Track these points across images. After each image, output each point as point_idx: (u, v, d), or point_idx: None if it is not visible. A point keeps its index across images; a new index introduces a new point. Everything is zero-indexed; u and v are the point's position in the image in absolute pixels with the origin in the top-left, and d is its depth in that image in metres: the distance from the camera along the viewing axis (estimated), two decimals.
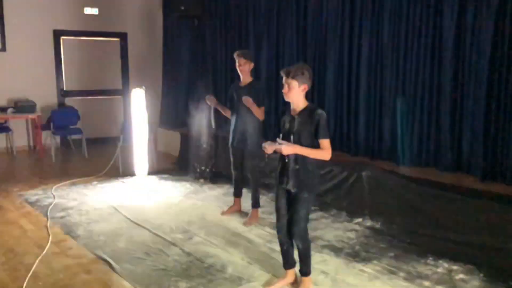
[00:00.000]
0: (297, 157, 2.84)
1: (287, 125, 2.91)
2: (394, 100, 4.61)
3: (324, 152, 2.79)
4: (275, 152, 2.87)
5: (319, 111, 2.82)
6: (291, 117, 2.90)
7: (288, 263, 3.09)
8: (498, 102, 3.79)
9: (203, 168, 5.78)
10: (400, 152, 4.53)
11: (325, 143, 2.79)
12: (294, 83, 2.81)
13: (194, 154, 5.92)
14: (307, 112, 2.84)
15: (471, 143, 4.04)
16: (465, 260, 3.37)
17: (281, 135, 2.92)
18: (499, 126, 3.81)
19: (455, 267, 3.32)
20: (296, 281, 3.09)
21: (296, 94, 2.83)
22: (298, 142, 2.82)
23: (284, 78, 2.84)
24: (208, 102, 4.38)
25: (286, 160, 2.88)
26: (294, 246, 3.03)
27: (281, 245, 3.06)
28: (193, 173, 5.87)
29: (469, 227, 3.56)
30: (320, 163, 2.90)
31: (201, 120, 5.55)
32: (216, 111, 4.57)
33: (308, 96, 2.94)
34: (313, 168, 2.89)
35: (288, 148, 2.78)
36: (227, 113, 4.40)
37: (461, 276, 3.20)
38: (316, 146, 2.81)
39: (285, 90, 2.84)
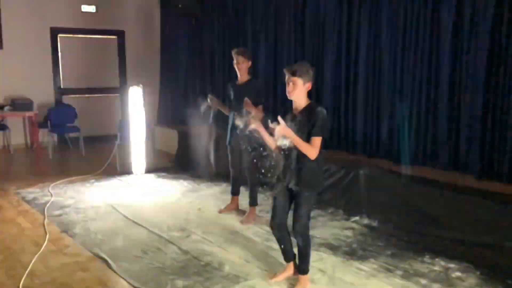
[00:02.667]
0: (299, 156, 2.82)
1: (288, 124, 2.90)
2: (391, 98, 4.62)
3: (312, 148, 2.76)
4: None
5: (319, 108, 2.81)
6: (293, 116, 2.89)
7: (288, 257, 3.11)
8: (495, 101, 3.81)
9: (203, 166, 5.77)
10: (398, 151, 4.54)
11: (315, 140, 2.76)
12: (300, 81, 2.79)
13: (194, 152, 5.92)
14: (308, 110, 2.83)
15: (467, 142, 4.05)
16: (461, 258, 3.38)
17: (277, 121, 2.86)
18: (495, 125, 3.82)
19: (451, 265, 3.33)
20: (295, 272, 3.10)
21: (300, 92, 2.82)
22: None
23: (288, 76, 2.81)
24: (210, 103, 4.31)
25: (289, 160, 2.88)
26: (292, 240, 3.04)
27: (278, 241, 3.09)
28: (193, 172, 5.86)
29: (465, 226, 3.57)
30: (321, 161, 2.89)
31: (202, 119, 5.53)
32: (218, 111, 4.54)
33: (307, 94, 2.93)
34: (315, 166, 2.87)
35: (282, 129, 2.69)
36: (228, 111, 4.39)
37: (458, 274, 3.21)
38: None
39: (290, 88, 2.81)
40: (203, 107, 4.35)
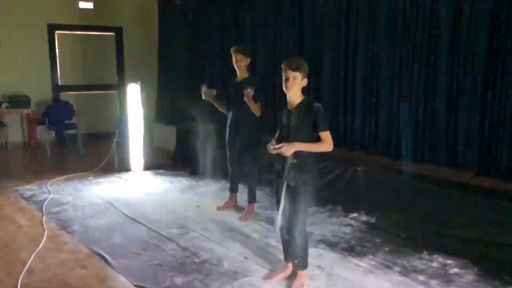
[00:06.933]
0: (295, 152, 2.83)
1: (284, 120, 2.91)
2: (390, 95, 4.62)
3: (326, 144, 2.81)
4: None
5: (316, 104, 2.83)
6: (288, 111, 2.90)
7: (289, 256, 3.11)
8: (493, 98, 3.81)
9: (202, 163, 5.76)
10: (396, 148, 4.54)
11: (326, 135, 2.80)
12: (299, 76, 2.81)
13: (193, 149, 5.90)
14: (303, 106, 2.85)
15: (466, 139, 4.06)
16: (459, 254, 3.40)
17: (276, 134, 2.94)
18: (494, 122, 3.82)
19: (449, 261, 3.34)
20: (294, 273, 3.10)
21: (298, 87, 2.84)
22: (296, 135, 2.83)
23: (288, 70, 2.81)
24: (204, 97, 4.32)
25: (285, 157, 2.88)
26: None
27: (283, 238, 3.08)
28: (191, 168, 5.85)
29: (463, 222, 3.58)
30: (318, 157, 2.91)
31: (198, 116, 5.52)
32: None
33: (305, 90, 2.93)
34: (311, 161, 2.89)
35: (289, 149, 2.78)
36: (223, 108, 4.39)
37: (456, 270, 3.22)
38: (316, 139, 2.82)
39: (290, 83, 2.82)
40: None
